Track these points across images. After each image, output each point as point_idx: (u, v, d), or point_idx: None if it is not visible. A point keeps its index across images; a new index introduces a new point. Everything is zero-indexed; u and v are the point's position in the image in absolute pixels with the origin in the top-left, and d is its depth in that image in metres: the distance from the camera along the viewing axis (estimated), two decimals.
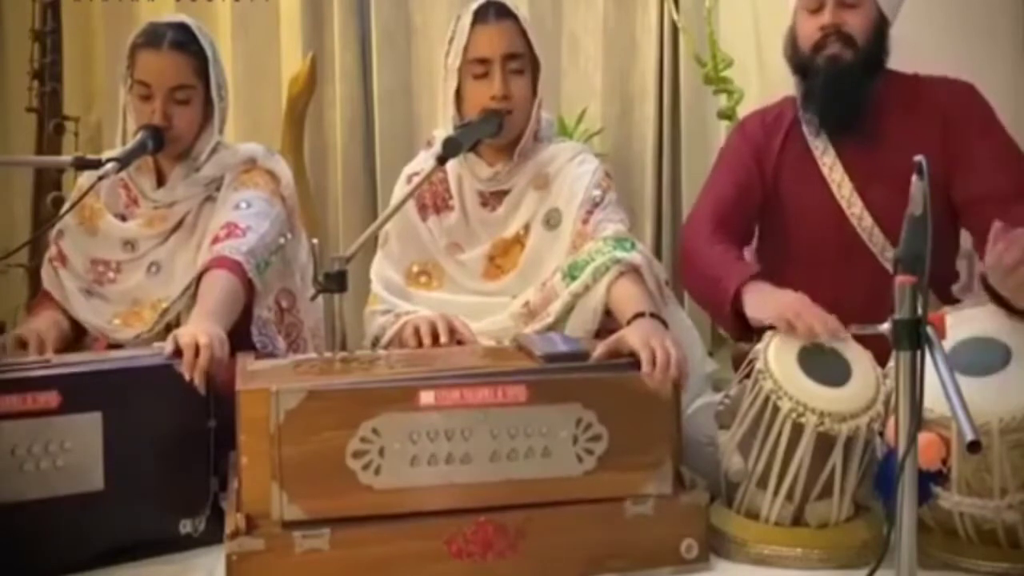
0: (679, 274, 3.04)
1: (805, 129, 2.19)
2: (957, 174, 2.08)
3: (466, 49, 2.12)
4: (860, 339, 1.81)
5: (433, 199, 2.23)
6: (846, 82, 2.09)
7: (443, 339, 2.03)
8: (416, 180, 2.12)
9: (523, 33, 2.15)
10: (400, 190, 2.25)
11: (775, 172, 2.21)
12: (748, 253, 2.28)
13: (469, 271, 2.21)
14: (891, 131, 2.10)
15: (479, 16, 2.13)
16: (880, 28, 2.12)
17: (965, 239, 2.21)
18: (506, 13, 2.14)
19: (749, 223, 2.25)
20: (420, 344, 2.04)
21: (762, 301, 1.92)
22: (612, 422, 1.71)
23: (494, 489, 1.68)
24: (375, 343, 2.18)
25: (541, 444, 1.69)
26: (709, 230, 2.14)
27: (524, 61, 2.14)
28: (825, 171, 2.15)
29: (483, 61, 2.11)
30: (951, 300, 2.15)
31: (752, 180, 2.21)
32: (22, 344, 2.10)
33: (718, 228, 2.14)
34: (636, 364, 1.73)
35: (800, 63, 2.16)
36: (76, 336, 2.23)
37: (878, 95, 2.12)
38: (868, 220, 2.12)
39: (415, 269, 2.24)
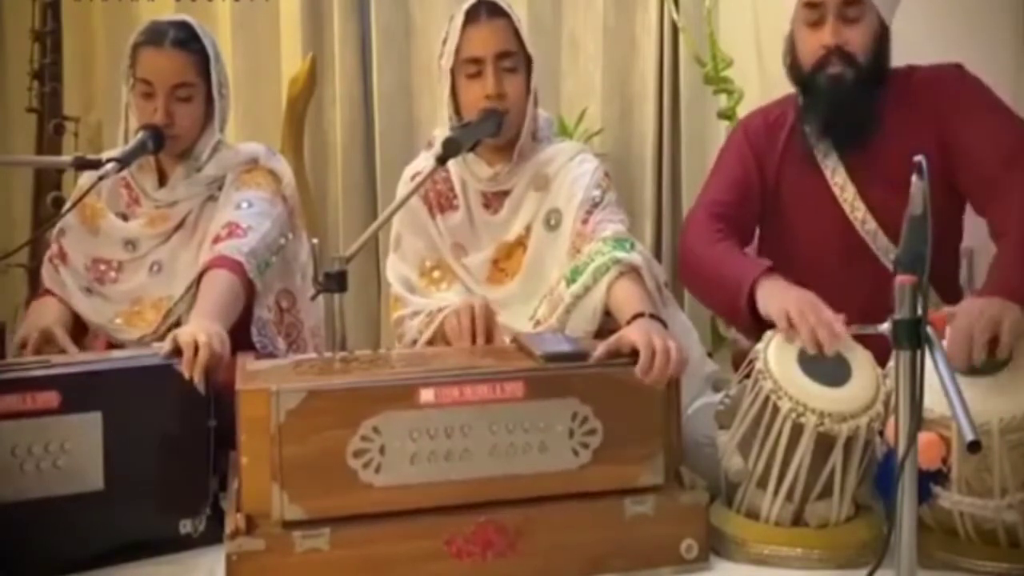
0: (679, 275, 3.04)
1: (807, 131, 2.16)
2: (955, 161, 2.05)
3: (459, 49, 2.11)
4: (860, 339, 1.81)
5: (437, 198, 2.23)
6: (848, 100, 2.05)
7: (479, 341, 2.04)
8: (419, 180, 2.11)
9: (516, 31, 2.14)
10: (403, 190, 2.25)
11: (777, 173, 2.19)
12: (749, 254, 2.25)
13: (473, 276, 2.21)
14: (891, 131, 2.08)
15: (471, 16, 2.12)
16: (881, 40, 2.08)
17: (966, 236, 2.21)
18: (498, 12, 2.13)
19: (749, 223, 2.22)
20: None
21: (771, 297, 1.90)
22: (607, 416, 1.72)
23: (492, 484, 1.69)
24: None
25: (538, 439, 1.70)
26: (711, 229, 2.12)
27: (517, 59, 2.13)
28: (828, 173, 2.14)
29: (475, 60, 2.11)
30: (955, 295, 2.14)
31: (752, 180, 2.19)
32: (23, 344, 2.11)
33: (719, 228, 2.12)
34: (636, 363, 1.73)
35: (801, 79, 2.12)
36: (77, 333, 2.22)
37: (879, 101, 2.09)
38: (872, 223, 2.10)
39: (428, 264, 2.24)
